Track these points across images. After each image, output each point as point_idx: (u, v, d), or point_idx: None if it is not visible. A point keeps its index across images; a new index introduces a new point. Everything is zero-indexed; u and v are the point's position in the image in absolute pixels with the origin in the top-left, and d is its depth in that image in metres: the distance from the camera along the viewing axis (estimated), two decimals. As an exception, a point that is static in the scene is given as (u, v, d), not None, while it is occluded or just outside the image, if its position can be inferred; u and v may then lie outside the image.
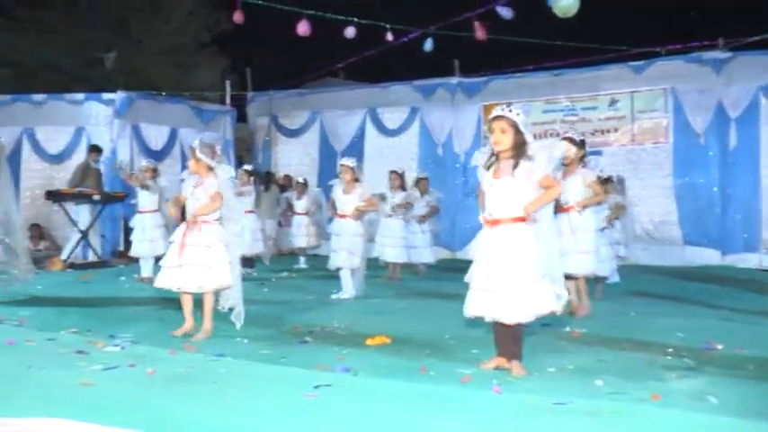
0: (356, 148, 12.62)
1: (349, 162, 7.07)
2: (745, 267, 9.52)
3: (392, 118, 12.65)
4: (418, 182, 9.46)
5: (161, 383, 3.57)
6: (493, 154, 3.90)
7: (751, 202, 9.89)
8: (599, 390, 3.52)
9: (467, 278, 4.01)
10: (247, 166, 9.41)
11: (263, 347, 4.58)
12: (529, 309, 3.79)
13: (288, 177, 12.50)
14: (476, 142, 11.99)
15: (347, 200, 6.98)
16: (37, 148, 11.76)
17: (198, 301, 5.13)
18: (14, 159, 11.27)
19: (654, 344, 4.59)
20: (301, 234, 10.35)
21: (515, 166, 3.81)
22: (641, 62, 10.66)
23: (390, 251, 8.67)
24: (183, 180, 7.97)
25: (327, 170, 12.78)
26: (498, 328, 3.93)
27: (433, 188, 9.64)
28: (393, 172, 8.94)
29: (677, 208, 10.38)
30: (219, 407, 3.14)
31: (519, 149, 3.81)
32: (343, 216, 7.00)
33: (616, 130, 10.89)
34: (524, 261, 3.79)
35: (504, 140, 3.79)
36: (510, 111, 3.81)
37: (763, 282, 8.18)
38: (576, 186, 5.52)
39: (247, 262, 9.11)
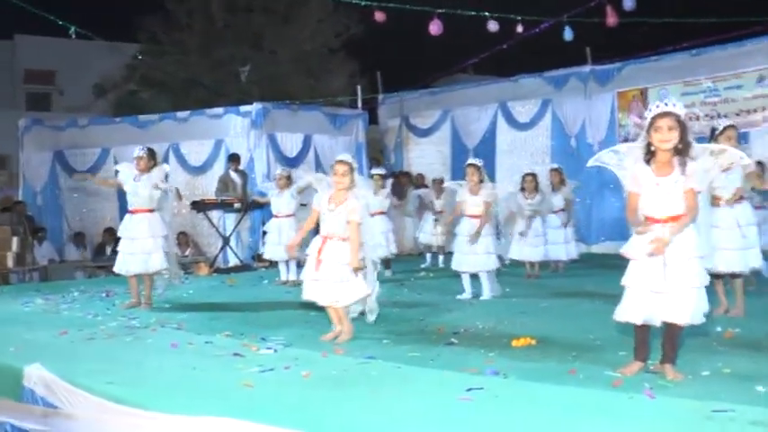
0: (488, 143, 12.51)
1: (476, 162, 6.96)
2: None
3: (523, 111, 12.46)
4: (551, 174, 9.20)
5: (317, 385, 3.66)
6: (649, 151, 3.68)
7: None
8: (761, 397, 3.26)
9: (625, 281, 3.78)
10: (378, 170, 9.51)
11: (410, 350, 4.59)
12: (701, 309, 3.60)
13: (421, 176, 12.56)
14: (610, 131, 11.57)
15: (475, 201, 6.83)
16: (181, 161, 12.52)
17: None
18: (163, 174, 12.04)
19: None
20: (439, 233, 10.28)
21: (683, 164, 3.60)
22: (792, 32, 9.84)
23: (528, 250, 8.48)
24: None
25: (459, 168, 12.61)
26: (643, 332, 3.72)
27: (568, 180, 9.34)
28: (529, 174, 8.71)
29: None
30: (375, 409, 3.18)
31: (686, 147, 3.61)
32: (473, 217, 6.84)
33: (764, 110, 10.10)
34: (690, 261, 3.61)
35: (673, 138, 3.58)
36: (675, 105, 3.60)
37: None
38: (737, 177, 5.11)
39: (383, 263, 9.24)
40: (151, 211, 6.73)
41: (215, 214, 11.20)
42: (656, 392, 3.30)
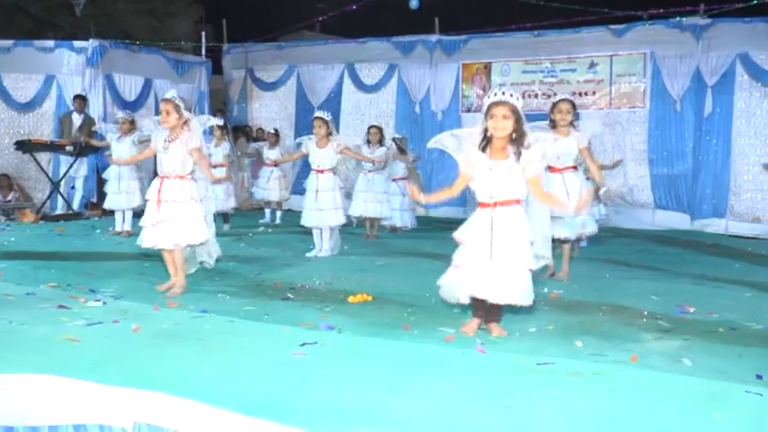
0: (333, 103, 12.49)
1: (323, 115, 6.91)
2: (712, 232, 9.73)
3: (370, 74, 12.52)
4: (393, 141, 9.33)
5: (147, 340, 3.60)
6: (485, 137, 3.83)
7: (721, 169, 10.03)
8: (580, 351, 3.62)
9: (456, 259, 3.94)
10: (218, 121, 9.25)
11: (245, 304, 4.61)
12: (524, 287, 3.82)
13: (261, 130, 12.37)
14: (454, 101, 11.96)
15: (323, 154, 6.83)
16: (4, 95, 11.44)
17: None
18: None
19: (629, 307, 4.71)
20: (272, 187, 10.19)
21: (518, 153, 3.80)
22: (622, 26, 10.58)
23: (372, 207, 8.58)
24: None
25: (304, 125, 12.60)
26: (480, 302, 3.96)
27: (411, 147, 9.61)
28: (373, 126, 8.84)
29: (650, 172, 10.51)
30: (208, 364, 3.18)
31: (520, 136, 3.80)
32: (320, 171, 6.87)
33: (594, 93, 10.92)
34: (526, 242, 3.84)
35: (507, 126, 3.76)
36: (512, 95, 3.77)
37: (730, 247, 8.39)
38: (571, 148, 5.52)
39: (222, 217, 9.09)
40: None
41: (44, 157, 10.41)
42: (486, 348, 3.56)
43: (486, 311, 3.96)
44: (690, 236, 9.39)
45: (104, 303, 4.43)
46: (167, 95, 5.11)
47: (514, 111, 3.76)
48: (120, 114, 8.76)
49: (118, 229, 8.31)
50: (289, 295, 4.95)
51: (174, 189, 5.02)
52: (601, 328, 4.12)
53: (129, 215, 8.24)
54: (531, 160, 3.80)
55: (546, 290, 5.22)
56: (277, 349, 3.42)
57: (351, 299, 4.78)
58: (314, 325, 3.99)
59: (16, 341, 3.55)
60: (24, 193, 10.90)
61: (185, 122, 5.07)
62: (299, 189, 10.28)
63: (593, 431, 2.46)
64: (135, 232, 7.98)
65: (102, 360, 3.22)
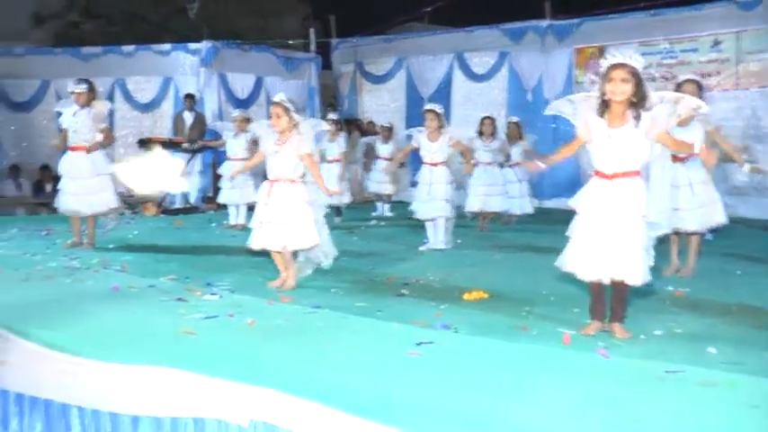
0: (443, 93, 12.33)
1: (434, 107, 6.73)
2: None
3: (480, 63, 12.28)
4: (509, 126, 9.09)
5: (261, 335, 3.57)
6: (603, 102, 3.60)
7: None
8: (713, 358, 3.29)
9: (570, 232, 3.77)
10: (333, 116, 9.30)
11: (358, 300, 4.53)
12: (646, 268, 3.56)
13: (372, 123, 12.38)
14: (567, 87, 11.49)
15: (435, 147, 6.68)
16: (127, 96, 12.05)
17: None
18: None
19: (765, 309, 4.27)
20: (385, 180, 10.15)
21: (637, 117, 3.54)
22: (750, -1, 9.85)
23: (492, 200, 8.33)
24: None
25: (414, 116, 12.48)
26: (598, 290, 3.71)
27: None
28: (487, 118, 8.58)
29: (783, 156, 9.69)
30: (322, 361, 3.10)
31: (641, 100, 3.54)
32: (434, 164, 6.72)
33: (718, 74, 10.18)
34: (637, 219, 3.57)
35: (626, 90, 3.50)
36: (630, 58, 3.51)
37: None
38: (697, 134, 5.07)
39: (335, 211, 9.12)
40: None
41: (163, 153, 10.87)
42: (609, 352, 3.30)
43: (604, 308, 3.72)
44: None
45: (220, 297, 4.47)
46: (276, 99, 5.06)
47: (634, 73, 3.50)
48: (237, 112, 8.93)
49: (232, 222, 8.49)
50: (403, 291, 4.83)
51: (283, 192, 4.99)
52: (735, 332, 3.75)
53: (243, 209, 8.40)
54: (656, 119, 3.54)
55: (671, 288, 4.84)
56: (391, 348, 3.30)
57: (466, 296, 4.61)
58: (428, 323, 3.85)
59: (139, 333, 3.62)
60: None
61: (295, 125, 5.02)
62: (412, 182, 10.22)
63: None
64: (249, 225, 8.18)
65: (219, 354, 3.22)
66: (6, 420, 3.55)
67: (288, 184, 4.99)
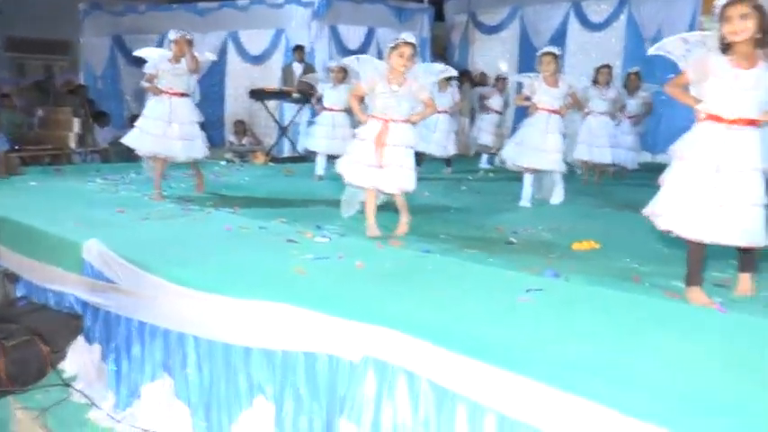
0: (558, 44, 11.65)
1: (553, 49, 6.39)
2: None
3: (598, 11, 11.77)
4: (628, 77, 8.72)
5: (371, 277, 3.58)
6: (725, 45, 3.21)
7: None
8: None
9: (664, 180, 3.43)
10: (453, 72, 9.08)
11: (468, 246, 4.47)
12: (763, 229, 3.20)
13: (483, 75, 12.13)
14: (690, 36, 10.82)
15: (555, 93, 6.34)
16: (240, 50, 12.35)
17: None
18: (221, 61, 11.91)
19: None
20: (492, 133, 9.94)
21: (765, 56, 3.22)
22: None
23: (598, 152, 8.03)
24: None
25: (527, 68, 12.13)
26: (698, 252, 3.36)
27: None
28: (605, 66, 8.23)
29: None
30: (432, 305, 3.07)
31: (764, 39, 3.16)
32: (551, 111, 6.35)
33: None
34: (760, 173, 3.24)
35: (748, 27, 3.12)
36: None
37: None
38: None
39: (444, 162, 9.06)
40: (187, 95, 6.51)
41: (272, 104, 11.11)
42: (727, 308, 3.11)
43: (701, 272, 3.40)
44: None
45: (330, 240, 4.52)
46: (408, 38, 4.87)
47: (756, 7, 3.10)
48: (333, 63, 8.82)
49: (319, 173, 8.37)
50: (512, 240, 4.74)
51: (400, 134, 4.90)
52: None
53: (323, 159, 8.31)
54: None
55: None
56: (501, 294, 3.23)
57: (576, 245, 4.47)
58: (539, 270, 3.76)
59: (251, 270, 3.70)
60: (256, 138, 11.74)
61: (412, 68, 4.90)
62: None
63: None
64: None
65: (330, 294, 3.24)
66: (129, 347, 3.77)
67: (404, 125, 4.90)
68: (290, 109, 10.98)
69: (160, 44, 12.39)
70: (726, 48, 3.22)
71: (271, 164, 9.99)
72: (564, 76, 6.50)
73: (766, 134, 3.28)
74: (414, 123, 4.97)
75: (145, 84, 6.60)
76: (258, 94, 10.76)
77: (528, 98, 6.49)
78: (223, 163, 7.96)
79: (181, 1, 13.41)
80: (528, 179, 6.52)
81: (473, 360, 2.38)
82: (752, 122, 3.24)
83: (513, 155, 6.55)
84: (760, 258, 3.46)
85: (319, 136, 8.32)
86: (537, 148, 6.35)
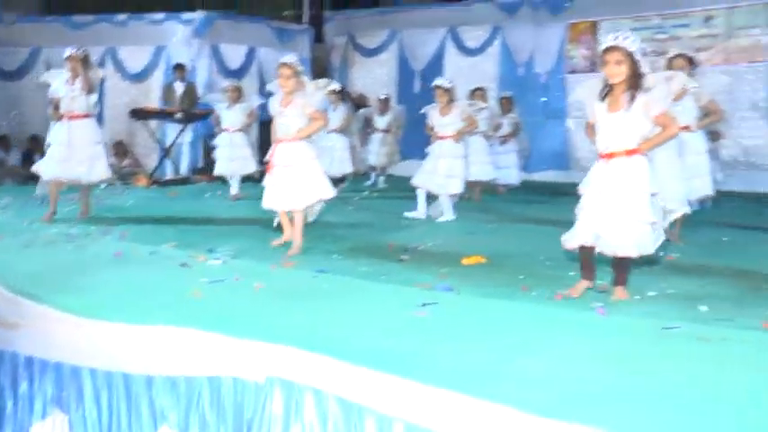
0: (435, 67, 12.32)
1: (444, 83, 6.79)
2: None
3: (473, 37, 12.28)
4: (502, 101, 9.26)
5: (270, 297, 3.64)
6: (606, 85, 3.70)
7: None
8: (705, 316, 3.41)
9: (577, 210, 3.84)
10: (335, 86, 9.27)
11: (361, 265, 4.59)
12: (640, 243, 3.64)
13: (363, 96, 12.35)
14: (559, 62, 11.60)
15: (447, 121, 6.73)
16: (119, 66, 11.93)
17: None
18: (99, 78, 11.51)
19: (753, 271, 4.42)
20: (381, 153, 10.19)
21: (632, 98, 3.62)
22: (744, -26, 9.93)
23: (475, 169, 8.41)
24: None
25: (405, 91, 12.60)
26: (587, 254, 3.80)
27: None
28: (478, 89, 8.69)
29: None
30: (332, 321, 3.18)
31: (635, 81, 3.61)
32: (443, 138, 6.75)
33: (709, 49, 10.25)
34: (639, 195, 3.65)
35: (620, 72, 3.59)
36: (625, 39, 3.57)
37: None
38: (688, 107, 5.22)
39: (337, 181, 9.16)
40: (88, 116, 6.40)
41: (154, 124, 10.84)
42: (606, 310, 3.42)
43: (593, 270, 3.82)
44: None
45: (223, 262, 4.53)
46: (286, 59, 5.09)
47: (628, 54, 3.56)
48: (227, 82, 8.86)
49: (234, 192, 8.41)
50: (403, 257, 4.91)
51: (289, 153, 5.06)
52: (726, 293, 3.89)
53: (236, 180, 8.39)
54: (652, 100, 3.61)
55: (662, 253, 4.94)
56: (398, 309, 3.39)
57: (465, 260, 4.69)
58: (431, 286, 3.93)
59: (147, 296, 3.68)
60: (136, 160, 11.38)
61: (302, 87, 5.08)
62: (407, 154, 10.31)
63: (729, 398, 2.28)
64: (243, 196, 8.20)
65: (230, 315, 3.29)
66: (16, 384, 3.60)
67: (293, 144, 5.06)
68: (172, 129, 10.72)
69: (33, 58, 11.85)
70: (607, 90, 3.68)
71: (153, 186, 9.72)
72: (458, 103, 6.85)
73: (645, 160, 3.68)
74: (303, 139, 5.09)
75: (49, 111, 6.50)
76: (139, 114, 10.44)
77: (432, 128, 6.91)
78: (103, 186, 7.67)
79: (55, 13, 12.82)
80: (421, 194, 6.90)
81: (377, 372, 2.50)
82: (628, 153, 3.66)
83: (419, 178, 6.94)
84: (629, 273, 3.81)
85: (221, 158, 8.35)
86: (428, 171, 6.79)
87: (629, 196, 3.64)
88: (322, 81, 5.47)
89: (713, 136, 6.90)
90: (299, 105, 5.06)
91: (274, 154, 5.13)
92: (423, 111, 7.13)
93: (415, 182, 6.90)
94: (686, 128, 5.23)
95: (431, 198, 6.93)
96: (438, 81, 6.87)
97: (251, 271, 4.26)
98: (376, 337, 2.92)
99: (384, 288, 3.89)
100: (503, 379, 2.43)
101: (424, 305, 3.40)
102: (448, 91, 6.73)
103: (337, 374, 2.59)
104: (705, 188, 5.58)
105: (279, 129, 5.14)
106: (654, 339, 2.92)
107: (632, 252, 3.65)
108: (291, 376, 2.69)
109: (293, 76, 5.03)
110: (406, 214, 6.91)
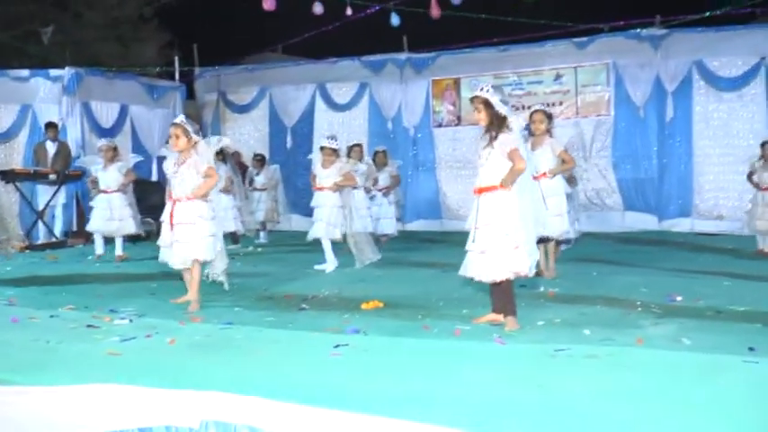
0: (306, 123, 12.79)
1: (332, 144, 7.25)
2: (680, 231, 10.26)
3: (342, 93, 12.81)
4: (376, 155, 9.75)
5: (186, 351, 3.79)
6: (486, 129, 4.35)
7: (685, 170, 10.60)
8: (589, 338, 3.98)
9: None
10: (227, 141, 9.37)
11: (264, 315, 4.84)
12: (506, 267, 4.20)
13: (238, 153, 12.49)
14: (425, 116, 12.34)
15: (326, 174, 7.21)
16: (-18, 125, 11.43)
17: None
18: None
19: (623, 299, 5.12)
20: (261, 209, 10.42)
21: (494, 138, 4.23)
22: (585, 38, 11.14)
23: (357, 223, 8.82)
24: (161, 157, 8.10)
25: (278, 146, 12.95)
26: (492, 287, 4.34)
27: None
28: (356, 145, 9.19)
29: (617, 176, 11.01)
30: (253, 368, 3.39)
31: (495, 123, 4.26)
32: (321, 189, 7.25)
33: (561, 104, 11.41)
34: (503, 225, 4.21)
35: (483, 117, 4.30)
36: (481, 89, 4.27)
37: (699, 243, 8.91)
38: (546, 156, 5.96)
39: (230, 238, 9.25)
40: None
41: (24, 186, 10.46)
42: (503, 340, 3.90)
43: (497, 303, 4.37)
44: (660, 235, 9.92)
45: (131, 321, 4.60)
46: (176, 120, 5.35)
47: (485, 102, 4.24)
48: (103, 141, 8.72)
49: (99, 252, 8.37)
50: (303, 306, 5.20)
51: (185, 211, 5.24)
52: (603, 318, 4.51)
53: (119, 241, 8.34)
54: (506, 140, 4.23)
55: (543, 288, 5.57)
56: (313, 352, 3.66)
57: (364, 306, 5.04)
58: (339, 329, 4.25)
59: (60, 358, 3.69)
60: (3, 224, 10.87)
61: (194, 146, 5.29)
62: (292, 209, 10.61)
63: (617, 401, 2.74)
64: (128, 257, 8.17)
65: (151, 369, 3.41)
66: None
67: (189, 203, 5.23)
68: (43, 191, 10.37)
69: None
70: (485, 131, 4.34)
71: (28, 251, 9.36)
72: (339, 159, 7.31)
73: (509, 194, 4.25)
74: (199, 198, 5.26)
75: None
76: (8, 176, 10.03)
77: (314, 177, 7.41)
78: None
79: None
80: (327, 245, 7.26)
81: (308, 407, 2.77)
82: (490, 188, 4.29)
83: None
84: (509, 303, 4.33)
85: (96, 217, 8.30)
86: (317, 221, 7.31)
87: (491, 226, 4.22)
88: (213, 138, 5.70)
89: (571, 181, 7.73)
90: (192, 164, 5.26)
91: (172, 213, 5.27)
92: (309, 156, 7.54)
93: (309, 236, 7.31)
94: (543, 175, 5.96)
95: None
96: (324, 142, 7.33)
97: (160, 327, 4.36)
98: (300, 376, 3.19)
99: (295, 334, 4.16)
100: (424, 403, 2.78)
101: (337, 346, 3.70)
102: (335, 151, 7.22)
103: (270, 412, 2.83)
104: (563, 225, 6.25)
105: (175, 188, 5.30)
106: (549, 360, 3.40)
107: (488, 277, 4.24)
108: (226, 418, 2.89)
109: (183, 135, 5.25)
110: (316, 267, 7.21)
